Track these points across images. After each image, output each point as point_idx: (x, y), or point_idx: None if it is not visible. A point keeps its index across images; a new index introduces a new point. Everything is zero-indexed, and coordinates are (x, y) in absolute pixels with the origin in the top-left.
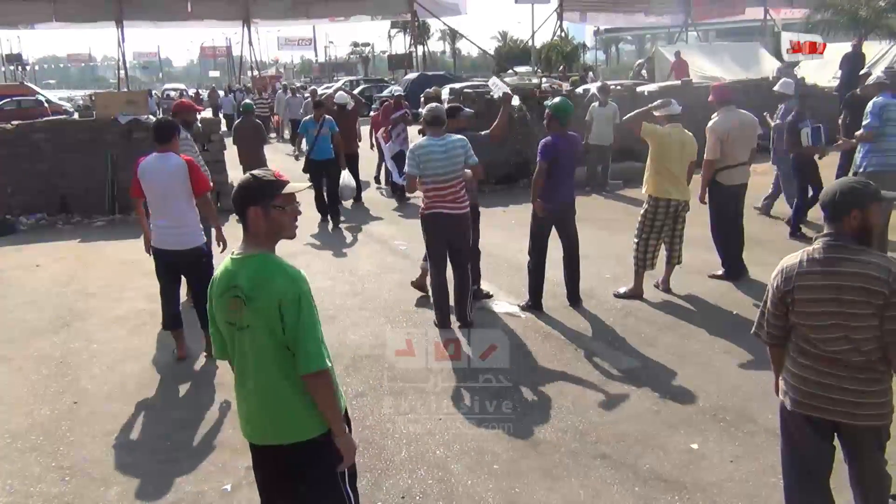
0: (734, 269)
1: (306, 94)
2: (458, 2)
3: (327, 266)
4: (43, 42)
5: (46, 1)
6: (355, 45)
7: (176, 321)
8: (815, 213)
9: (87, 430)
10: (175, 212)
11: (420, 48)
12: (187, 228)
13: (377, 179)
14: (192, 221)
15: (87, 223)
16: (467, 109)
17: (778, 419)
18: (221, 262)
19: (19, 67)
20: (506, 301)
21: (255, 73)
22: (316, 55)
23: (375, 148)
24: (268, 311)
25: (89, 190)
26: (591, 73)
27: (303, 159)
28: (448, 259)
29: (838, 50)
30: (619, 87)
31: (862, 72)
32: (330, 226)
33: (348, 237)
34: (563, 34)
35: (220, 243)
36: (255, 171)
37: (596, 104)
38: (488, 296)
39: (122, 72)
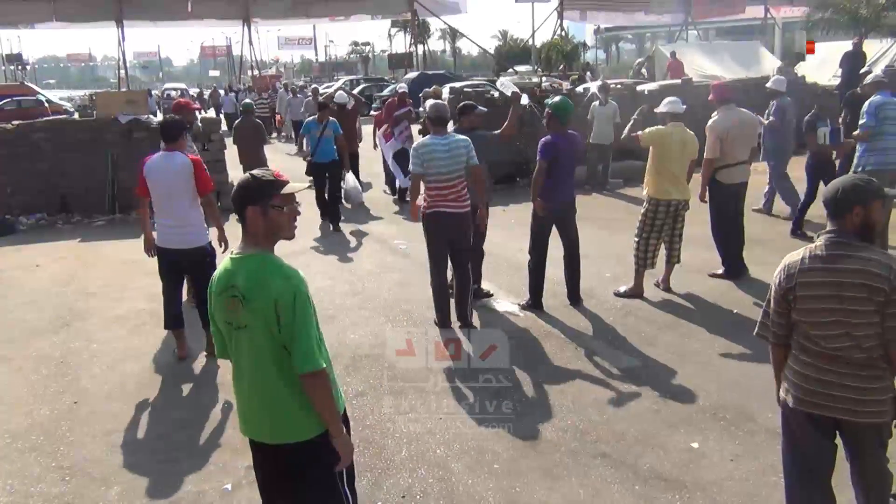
0: (734, 268)
1: (307, 93)
2: (459, 1)
3: (327, 265)
4: (43, 42)
5: (46, 1)
6: (355, 44)
7: (177, 321)
8: (816, 212)
9: (87, 429)
10: (179, 211)
11: (420, 47)
12: (191, 228)
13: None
14: (195, 221)
15: (88, 223)
16: (481, 108)
17: (778, 418)
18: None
19: (19, 67)
20: (506, 300)
21: (256, 72)
22: (316, 54)
23: (379, 147)
24: (265, 311)
25: (89, 189)
26: (588, 72)
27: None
28: (449, 258)
29: (839, 48)
30: (619, 86)
31: (862, 70)
32: (330, 226)
33: (348, 237)
34: (563, 33)
35: (222, 243)
36: (254, 171)
37: (596, 103)
38: (489, 295)
39: (123, 71)
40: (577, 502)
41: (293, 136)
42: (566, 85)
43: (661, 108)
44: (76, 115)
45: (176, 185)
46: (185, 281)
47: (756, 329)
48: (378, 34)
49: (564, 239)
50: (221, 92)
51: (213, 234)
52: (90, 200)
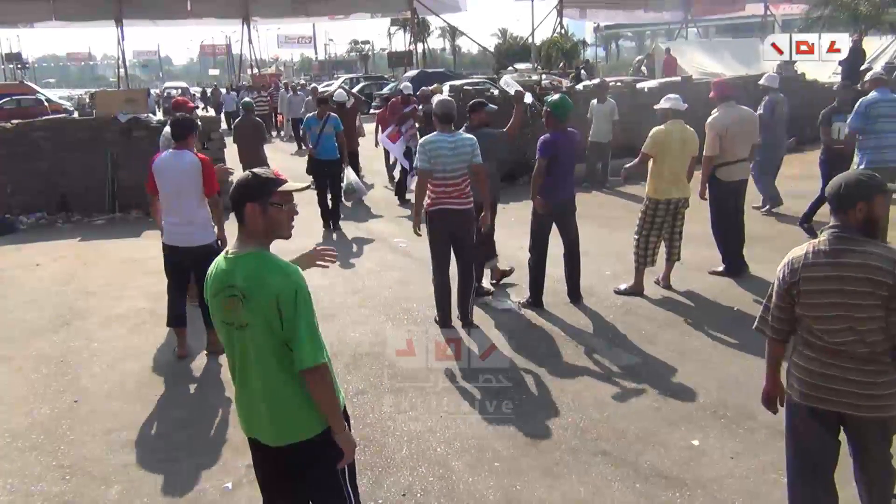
0: (734, 266)
1: (307, 92)
2: None
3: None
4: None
5: (46, 0)
6: (355, 42)
7: (179, 319)
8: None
9: (87, 428)
10: (186, 209)
11: (420, 45)
12: (196, 226)
13: (391, 178)
14: (201, 219)
15: (87, 222)
16: (491, 105)
17: (778, 416)
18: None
19: (19, 66)
20: (506, 298)
21: (255, 70)
22: (316, 53)
23: (381, 146)
24: (265, 309)
25: (89, 188)
26: (583, 70)
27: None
28: (454, 255)
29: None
30: (619, 84)
31: (862, 67)
32: (330, 226)
33: (348, 235)
34: (562, 31)
35: (220, 243)
36: (254, 169)
37: (595, 101)
38: (489, 293)
39: (122, 70)
40: (577, 500)
41: (293, 135)
42: (566, 83)
43: (662, 105)
44: (76, 114)
45: (183, 184)
46: (190, 279)
47: (755, 323)
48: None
49: (564, 237)
50: (223, 91)
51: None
52: (90, 199)
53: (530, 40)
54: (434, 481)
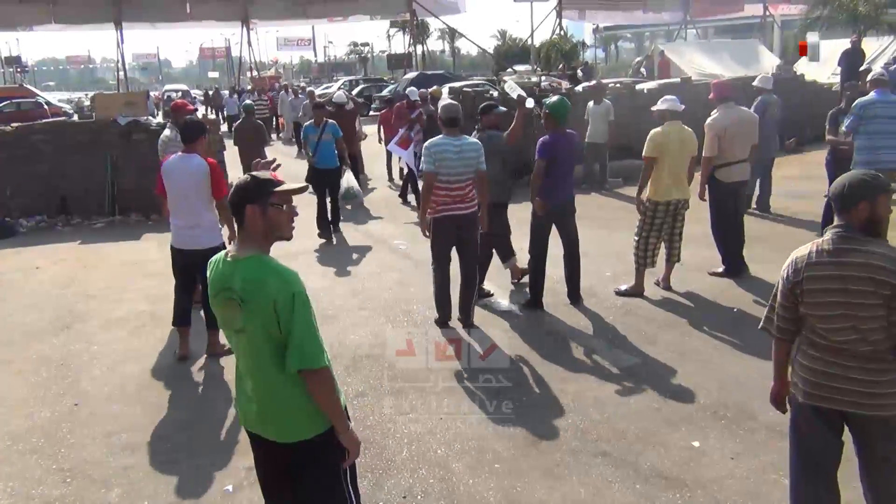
0: (734, 266)
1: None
2: (457, 1)
3: (327, 266)
4: (42, 44)
5: (45, 3)
6: (354, 44)
7: (185, 318)
8: (813, 209)
9: (87, 431)
10: (191, 212)
11: (419, 47)
12: (202, 229)
13: (391, 179)
14: (207, 222)
15: (87, 225)
16: (500, 107)
17: (778, 416)
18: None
19: (18, 70)
20: (506, 299)
21: (255, 73)
22: (315, 55)
23: (384, 144)
24: (263, 313)
25: (89, 191)
26: (580, 71)
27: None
28: (458, 257)
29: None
30: (618, 85)
31: (861, 68)
32: (332, 230)
33: (348, 237)
34: (562, 32)
35: (231, 242)
36: (252, 172)
37: (591, 103)
38: (489, 294)
39: (122, 73)
40: (578, 501)
41: (293, 137)
42: (565, 84)
43: (659, 106)
44: (75, 117)
45: (189, 187)
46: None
47: (762, 322)
48: (377, 34)
49: (564, 238)
50: (225, 93)
51: (225, 233)
52: (90, 202)
53: (529, 42)
54: (434, 483)
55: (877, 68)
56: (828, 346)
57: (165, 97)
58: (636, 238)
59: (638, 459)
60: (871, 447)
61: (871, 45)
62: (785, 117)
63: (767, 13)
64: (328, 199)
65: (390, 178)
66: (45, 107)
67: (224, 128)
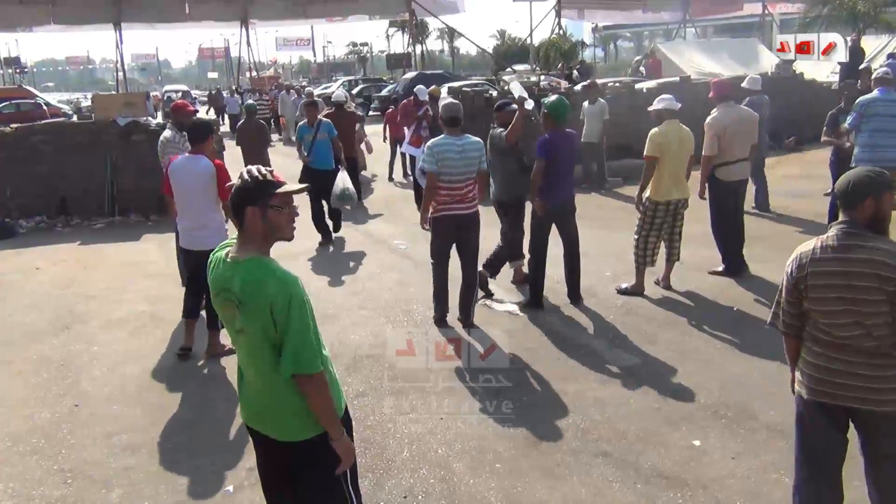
0: (734, 265)
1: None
2: (456, 0)
3: (327, 266)
4: (41, 45)
5: (45, 3)
6: (353, 44)
7: (194, 311)
8: (818, 209)
9: (87, 432)
10: (197, 213)
11: (418, 47)
12: (210, 230)
13: (391, 178)
14: (213, 223)
15: (87, 225)
16: (513, 105)
17: (780, 415)
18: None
19: (18, 70)
20: (506, 299)
21: (254, 73)
22: (314, 55)
23: (388, 142)
24: (261, 315)
25: (89, 192)
26: (575, 71)
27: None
28: (458, 257)
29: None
30: (617, 85)
31: (861, 66)
32: (329, 247)
33: (348, 237)
34: (561, 32)
35: None
36: (252, 173)
37: (586, 102)
38: (489, 294)
39: (121, 74)
40: (578, 501)
41: (292, 137)
42: (565, 84)
43: (655, 106)
44: (74, 118)
45: (197, 188)
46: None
47: (769, 319)
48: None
49: (564, 237)
50: (226, 94)
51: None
52: (89, 203)
53: (529, 41)
54: (435, 483)
55: (877, 66)
56: (831, 342)
57: (166, 98)
58: (636, 237)
59: (639, 459)
60: (875, 444)
61: (870, 44)
62: (784, 116)
63: (766, 12)
64: (323, 202)
65: (391, 178)
66: (45, 108)
67: (226, 128)
